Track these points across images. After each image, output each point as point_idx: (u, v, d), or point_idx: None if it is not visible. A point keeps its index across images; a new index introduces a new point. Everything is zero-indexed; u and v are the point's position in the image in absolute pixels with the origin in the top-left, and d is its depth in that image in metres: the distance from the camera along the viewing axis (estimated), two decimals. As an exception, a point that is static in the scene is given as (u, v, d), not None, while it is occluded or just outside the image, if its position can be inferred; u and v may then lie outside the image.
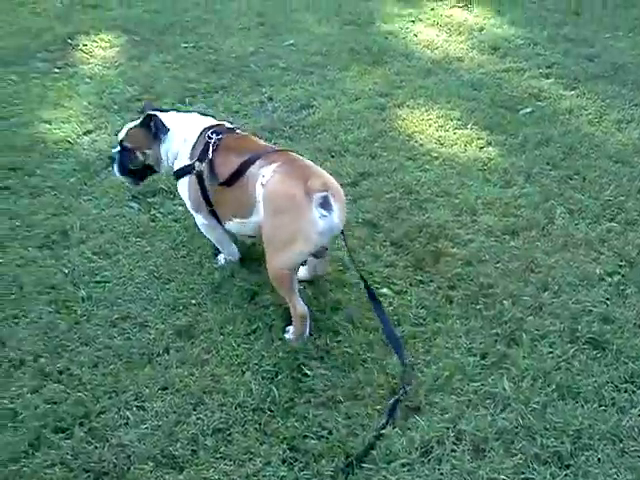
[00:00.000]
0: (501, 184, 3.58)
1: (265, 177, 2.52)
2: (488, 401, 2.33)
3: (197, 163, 2.76)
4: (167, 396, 2.41)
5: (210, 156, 2.71)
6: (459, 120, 4.27)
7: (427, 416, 2.28)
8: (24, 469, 2.18)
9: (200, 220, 2.90)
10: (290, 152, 2.73)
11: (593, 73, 4.95)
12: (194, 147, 2.81)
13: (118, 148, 2.91)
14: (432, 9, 6.37)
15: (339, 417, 2.28)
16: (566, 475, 2.11)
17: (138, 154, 2.88)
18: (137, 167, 2.94)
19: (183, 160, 2.83)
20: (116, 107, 4.62)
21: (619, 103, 4.47)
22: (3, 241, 3.27)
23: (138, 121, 2.91)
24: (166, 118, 2.88)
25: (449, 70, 5.08)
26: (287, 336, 2.64)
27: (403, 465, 2.13)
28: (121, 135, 2.91)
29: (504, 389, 2.36)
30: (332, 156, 3.93)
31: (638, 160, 3.80)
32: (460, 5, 6.47)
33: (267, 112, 4.52)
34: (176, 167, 2.88)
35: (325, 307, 2.75)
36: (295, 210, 2.43)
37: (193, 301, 2.83)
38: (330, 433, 2.24)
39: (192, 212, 2.91)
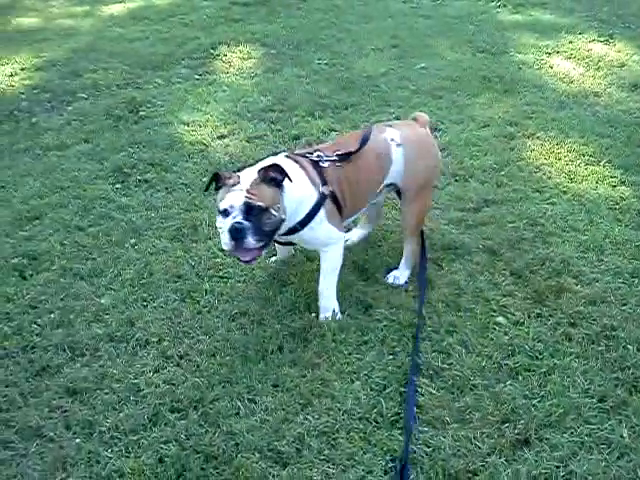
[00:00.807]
0: (633, 225, 3.41)
1: (395, 139, 2.94)
2: (603, 446, 2.22)
3: (324, 188, 2.73)
4: (277, 393, 2.49)
5: (337, 163, 2.80)
6: (591, 156, 4.13)
7: (536, 451, 2.21)
8: (142, 441, 2.32)
9: (342, 242, 2.86)
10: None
11: None
12: (310, 177, 2.72)
13: (240, 215, 2.49)
14: (570, 42, 6.22)
15: (445, 437, 2.27)
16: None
17: (273, 211, 2.53)
18: (274, 228, 2.58)
19: (309, 197, 2.70)
20: (249, 115, 4.86)
21: None
22: (139, 230, 3.52)
23: (246, 183, 2.52)
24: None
25: (584, 105, 4.93)
26: (394, 280, 3.06)
27: (507, 496, 2.09)
28: (239, 199, 2.48)
29: (622, 436, 2.24)
30: (456, 180, 3.92)
31: None
32: (601, 39, 6.27)
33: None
34: (302, 212, 2.68)
35: (439, 328, 2.74)
36: (431, 145, 3.10)
37: (309, 306, 2.91)
38: (434, 451, 2.23)
39: (335, 243, 2.82)
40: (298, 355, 2.66)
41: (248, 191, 2.50)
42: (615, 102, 4.96)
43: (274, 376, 2.57)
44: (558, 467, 2.16)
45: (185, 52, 6.24)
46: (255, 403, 2.46)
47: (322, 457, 2.24)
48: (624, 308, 2.82)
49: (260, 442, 2.29)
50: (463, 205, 3.65)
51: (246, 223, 2.47)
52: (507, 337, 2.69)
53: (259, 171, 2.56)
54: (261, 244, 2.54)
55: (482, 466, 2.17)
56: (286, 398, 2.47)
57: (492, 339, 2.68)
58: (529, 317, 2.80)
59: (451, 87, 5.30)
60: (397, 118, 4.73)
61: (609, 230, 3.37)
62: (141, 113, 4.95)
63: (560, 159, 4.12)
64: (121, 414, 2.42)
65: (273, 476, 2.18)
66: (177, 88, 5.44)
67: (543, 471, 2.15)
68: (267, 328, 2.81)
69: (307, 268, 3.14)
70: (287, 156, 2.81)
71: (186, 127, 4.70)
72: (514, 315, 2.81)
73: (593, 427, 2.29)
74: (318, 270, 3.10)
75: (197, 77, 5.68)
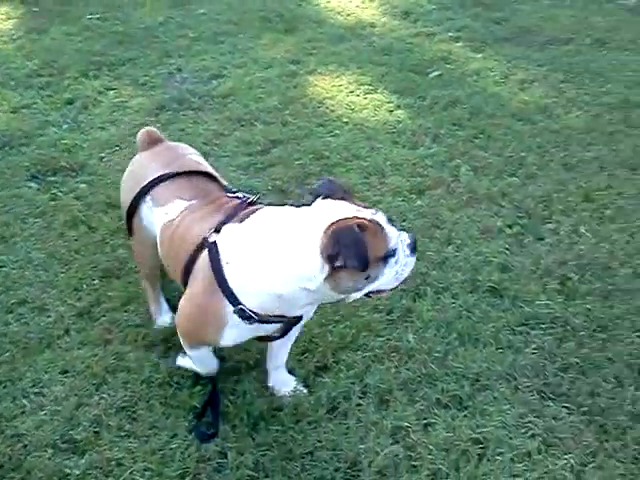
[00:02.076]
0: (409, 145, 3.61)
1: (197, 159, 2.38)
2: (393, 354, 2.37)
3: None
4: (68, 379, 2.30)
5: None
6: (369, 85, 4.27)
7: (334, 373, 2.30)
8: None
9: None
10: None
11: (500, 36, 5.07)
12: None
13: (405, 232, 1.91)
14: (344, -25, 6.30)
15: (249, 382, 2.27)
16: (465, 416, 2.17)
17: None
18: None
19: None
20: (13, 83, 4.38)
21: (524, 64, 4.60)
22: None
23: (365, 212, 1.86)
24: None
25: (361, 36, 5.07)
26: None
27: (310, 423, 2.14)
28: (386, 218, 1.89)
29: (408, 341, 2.42)
30: (242, 125, 3.86)
31: (539, 118, 3.93)
32: (373, -28, 6.43)
33: (175, 83, 4.39)
34: None
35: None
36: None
37: (95, 281, 2.72)
38: (238, 398, 2.22)
39: None
40: (87, 334, 2.48)
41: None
42: (389, 31, 5.16)
43: (62, 362, 2.36)
44: (354, 383, 2.27)
45: None
46: (43, 396, 2.25)
47: (123, 434, 2.12)
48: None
49: (52, 436, 2.11)
50: (250, 149, 3.61)
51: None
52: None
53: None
54: None
55: (285, 401, 2.20)
56: (78, 382, 2.29)
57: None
58: (318, 249, 2.84)
59: (232, 31, 5.18)
60: (179, 69, 4.54)
61: (388, 153, 3.53)
62: None
63: (341, 91, 4.20)
64: None
65: (70, 468, 2.02)
66: None
67: (341, 391, 2.24)
68: (50, 313, 2.57)
69: (90, 240, 2.93)
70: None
71: None
72: (304, 250, 2.84)
73: (383, 339, 2.43)
74: (103, 241, 2.93)
75: (-54, 47, 4.98)
